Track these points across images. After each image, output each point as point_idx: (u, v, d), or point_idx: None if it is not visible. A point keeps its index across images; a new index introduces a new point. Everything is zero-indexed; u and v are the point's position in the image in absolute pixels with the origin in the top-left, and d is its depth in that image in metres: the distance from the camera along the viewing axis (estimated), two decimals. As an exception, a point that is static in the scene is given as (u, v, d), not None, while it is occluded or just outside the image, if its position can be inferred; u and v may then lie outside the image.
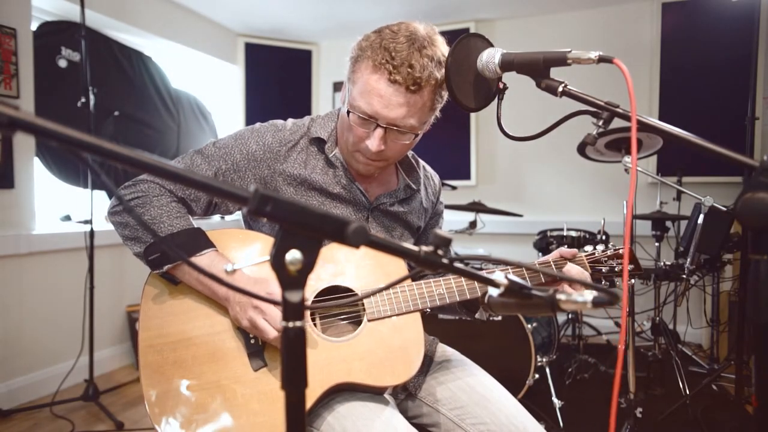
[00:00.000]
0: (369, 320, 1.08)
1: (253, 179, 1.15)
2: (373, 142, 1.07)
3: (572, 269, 1.15)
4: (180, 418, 1.00)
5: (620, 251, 1.20)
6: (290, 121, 1.22)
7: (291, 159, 1.17)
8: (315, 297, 1.09)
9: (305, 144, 1.19)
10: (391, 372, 1.06)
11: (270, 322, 1.01)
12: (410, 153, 1.30)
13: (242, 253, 1.13)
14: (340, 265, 1.12)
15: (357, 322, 1.11)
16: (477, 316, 1.24)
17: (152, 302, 1.09)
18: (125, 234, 1.11)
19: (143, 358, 1.04)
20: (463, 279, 1.11)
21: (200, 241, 1.08)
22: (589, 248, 1.22)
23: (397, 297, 1.10)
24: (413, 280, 1.13)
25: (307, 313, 1.08)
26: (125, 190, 1.12)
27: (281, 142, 1.17)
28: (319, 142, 1.19)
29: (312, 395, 1.02)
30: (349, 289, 1.11)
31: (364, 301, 1.09)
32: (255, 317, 1.01)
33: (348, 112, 1.09)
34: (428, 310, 1.13)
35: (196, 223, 1.15)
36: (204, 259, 1.06)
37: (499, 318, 1.31)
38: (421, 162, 1.36)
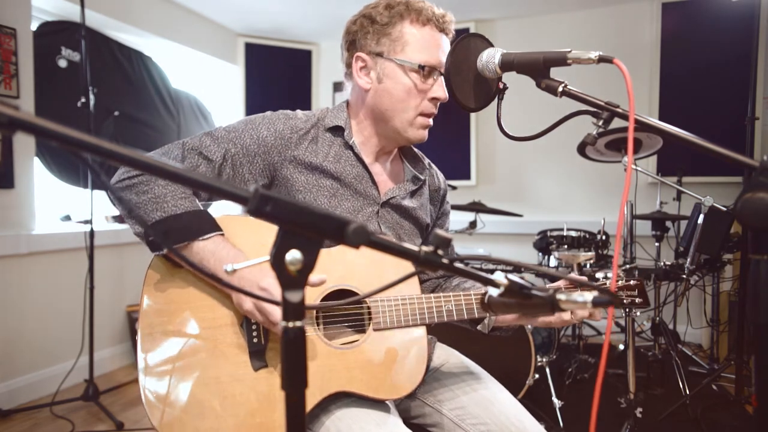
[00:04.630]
0: (374, 330, 1.06)
1: (263, 165, 1.13)
2: (441, 90, 1.13)
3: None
4: (176, 413, 0.99)
5: (631, 283, 1.20)
6: (299, 111, 1.22)
7: (302, 147, 1.15)
8: (321, 301, 1.07)
9: (317, 133, 1.18)
10: (391, 386, 1.05)
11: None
12: (415, 148, 1.32)
13: (249, 240, 1.08)
14: (349, 270, 1.09)
15: (362, 330, 1.09)
16: (479, 327, 1.22)
17: (154, 288, 1.05)
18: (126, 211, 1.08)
19: (142, 346, 1.02)
20: (472, 296, 1.10)
21: (205, 224, 1.03)
22: (600, 275, 1.22)
23: (405, 309, 1.07)
24: (423, 291, 1.12)
25: (312, 316, 1.07)
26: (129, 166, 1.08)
27: (292, 130, 1.15)
28: (335, 130, 1.19)
29: (311, 401, 1.01)
30: (356, 295, 1.09)
31: (371, 310, 1.07)
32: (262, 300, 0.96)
33: (408, 72, 1.12)
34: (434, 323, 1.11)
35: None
36: (209, 244, 1.01)
37: (507, 334, 1.29)
38: (427, 159, 1.36)
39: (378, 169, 1.24)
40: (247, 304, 0.98)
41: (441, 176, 1.40)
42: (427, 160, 1.35)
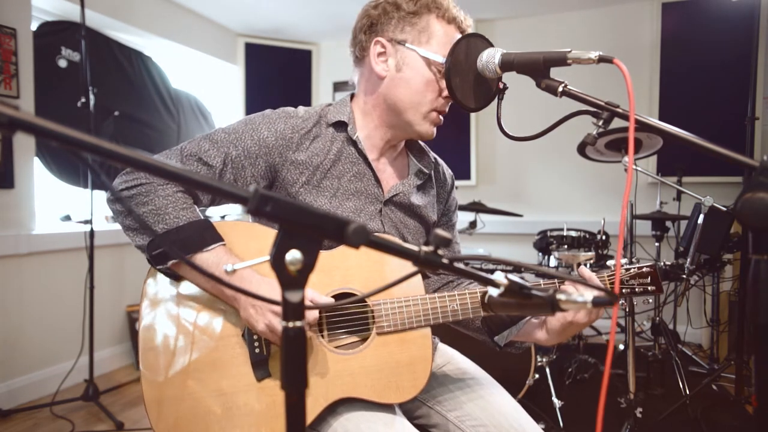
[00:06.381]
0: (378, 333, 1.05)
1: (265, 167, 1.11)
2: None
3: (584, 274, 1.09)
4: (179, 424, 0.99)
5: (644, 270, 1.16)
6: (301, 108, 1.19)
7: (303, 146, 1.12)
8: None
9: (319, 130, 1.15)
10: (396, 389, 1.04)
11: None
12: (421, 142, 1.28)
13: (251, 248, 1.07)
14: (351, 272, 1.08)
15: (367, 334, 1.08)
16: (496, 338, 1.19)
17: (153, 301, 1.04)
18: (126, 224, 1.04)
19: (143, 361, 1.01)
20: (478, 294, 1.08)
21: (207, 235, 1.01)
22: (611, 263, 1.19)
23: (409, 310, 1.06)
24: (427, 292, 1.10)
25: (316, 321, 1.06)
26: (127, 176, 1.05)
27: (294, 129, 1.12)
28: (338, 126, 1.16)
29: (316, 407, 1.00)
30: (360, 299, 1.07)
31: (375, 313, 1.06)
32: (275, 321, 0.96)
33: (431, 66, 1.09)
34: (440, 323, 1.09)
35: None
36: (211, 256, 1.00)
37: (517, 351, 1.22)
38: (433, 154, 1.31)
39: (382, 166, 1.20)
40: (260, 325, 0.97)
41: (448, 171, 1.36)
42: (433, 155, 1.31)
